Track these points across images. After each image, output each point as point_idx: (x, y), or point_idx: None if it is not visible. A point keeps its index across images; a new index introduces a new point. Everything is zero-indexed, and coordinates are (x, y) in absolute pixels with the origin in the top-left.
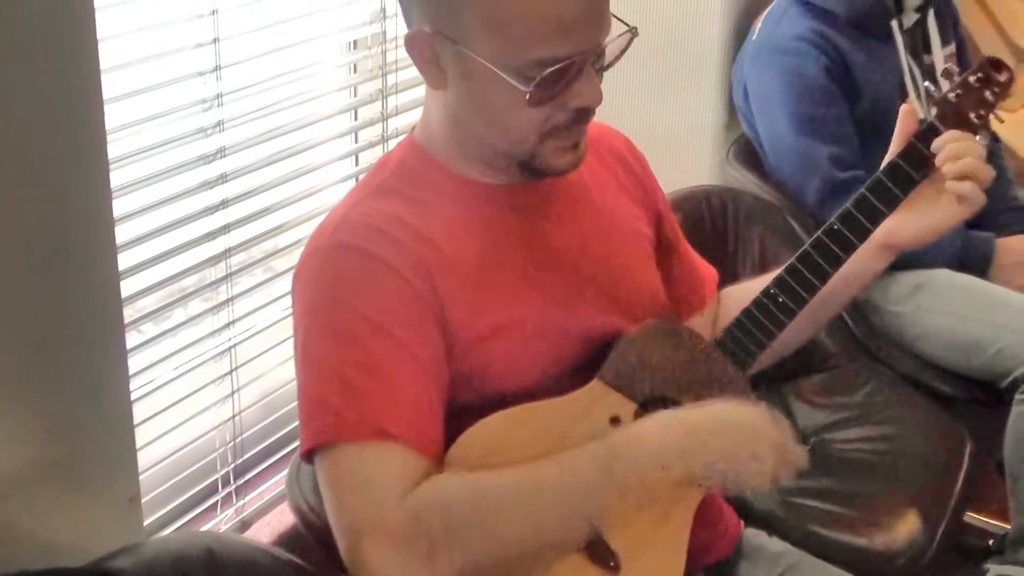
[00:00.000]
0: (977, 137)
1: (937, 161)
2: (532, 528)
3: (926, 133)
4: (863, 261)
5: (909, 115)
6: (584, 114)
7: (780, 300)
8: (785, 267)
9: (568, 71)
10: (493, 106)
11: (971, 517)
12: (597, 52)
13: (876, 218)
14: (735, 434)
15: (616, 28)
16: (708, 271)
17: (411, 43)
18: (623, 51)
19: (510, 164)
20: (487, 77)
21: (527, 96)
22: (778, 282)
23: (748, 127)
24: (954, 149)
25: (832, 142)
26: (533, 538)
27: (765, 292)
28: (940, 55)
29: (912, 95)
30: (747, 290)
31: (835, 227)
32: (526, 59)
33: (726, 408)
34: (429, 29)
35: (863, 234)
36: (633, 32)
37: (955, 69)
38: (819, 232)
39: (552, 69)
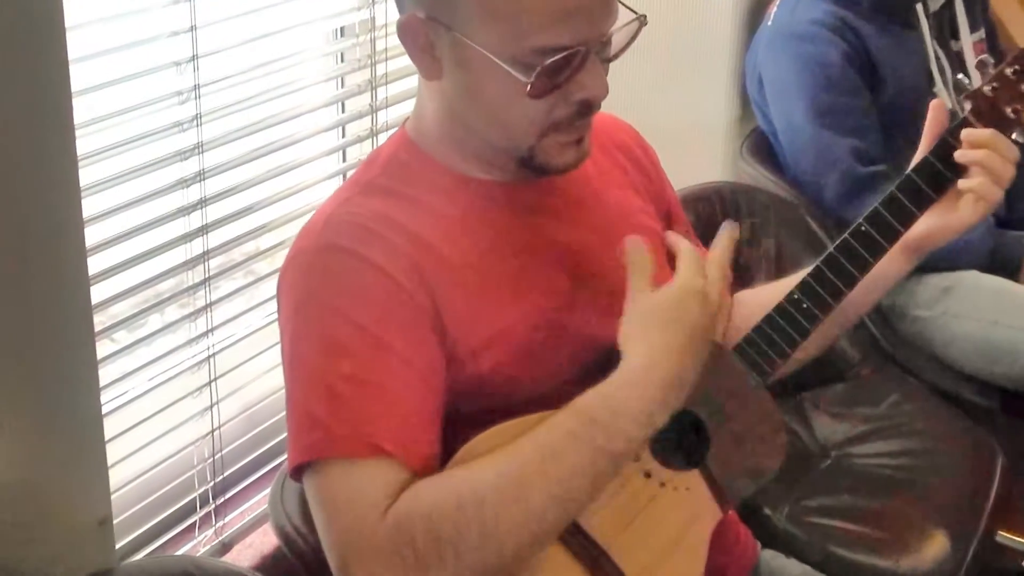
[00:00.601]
0: (1014, 135)
1: (964, 159)
2: (524, 519)
3: (960, 129)
4: (883, 265)
5: (940, 109)
6: (588, 107)
7: (805, 306)
8: (810, 271)
9: (571, 61)
10: (491, 98)
11: (1003, 537)
12: (602, 41)
13: (907, 220)
14: (698, 346)
15: (624, 16)
16: None
17: (404, 30)
18: (631, 40)
19: (509, 161)
20: (485, 67)
21: (527, 87)
22: (802, 287)
23: (763, 119)
24: (979, 145)
25: (853, 134)
26: (529, 528)
27: (788, 298)
28: (969, 41)
29: (939, 84)
30: (758, 296)
31: (863, 228)
32: (526, 47)
33: (677, 319)
34: (423, 15)
35: (893, 236)
36: (642, 20)
37: (990, 60)
38: (846, 234)
39: (554, 59)
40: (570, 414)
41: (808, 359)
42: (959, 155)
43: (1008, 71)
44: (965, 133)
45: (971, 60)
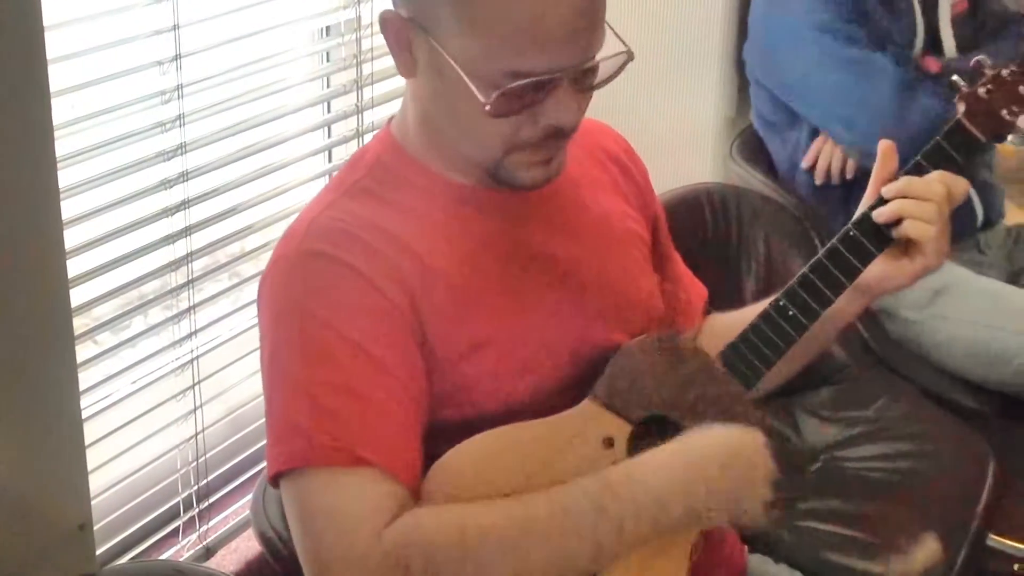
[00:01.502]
0: (1010, 138)
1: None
2: (521, 569)
3: (952, 131)
4: (840, 303)
5: (889, 154)
6: (556, 132)
7: (791, 313)
8: (797, 278)
9: (538, 88)
10: (459, 108)
11: (995, 540)
12: (577, 71)
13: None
14: (738, 467)
15: (613, 46)
16: (697, 289)
17: (385, 24)
18: (616, 73)
19: (478, 169)
20: (455, 78)
21: (486, 107)
22: (789, 294)
23: (763, 104)
24: (897, 192)
25: (880, 51)
26: None
27: (774, 305)
28: (947, 3)
29: (917, 49)
30: (731, 320)
31: (851, 233)
32: (496, 69)
33: (725, 440)
34: (405, 14)
35: (884, 240)
36: (629, 55)
37: (987, 62)
38: (834, 240)
39: (517, 84)
40: (593, 479)
41: (774, 387)
42: (876, 215)
43: (1004, 73)
44: (883, 190)
45: (945, 23)
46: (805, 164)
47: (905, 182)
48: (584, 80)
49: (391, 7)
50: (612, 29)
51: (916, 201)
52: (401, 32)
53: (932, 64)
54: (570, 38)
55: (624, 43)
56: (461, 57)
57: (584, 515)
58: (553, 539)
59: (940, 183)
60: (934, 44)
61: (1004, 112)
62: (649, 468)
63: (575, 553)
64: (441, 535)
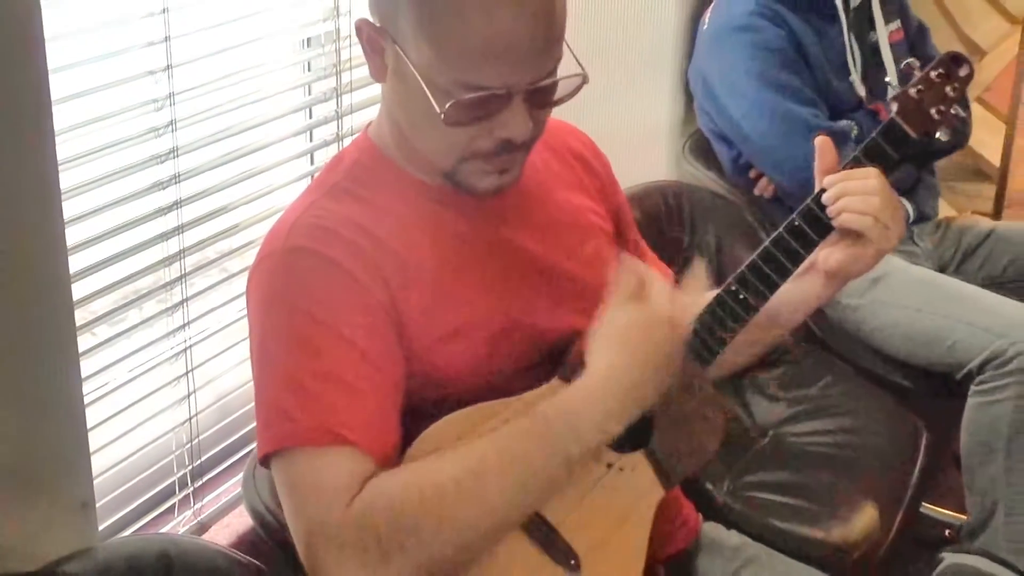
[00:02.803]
0: (938, 134)
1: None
2: (481, 513)
3: (887, 129)
4: (806, 288)
5: (827, 149)
6: (509, 145)
7: (742, 297)
8: (746, 265)
9: (490, 100)
10: (418, 114)
11: (928, 508)
12: (530, 87)
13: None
14: (656, 361)
15: (569, 67)
16: (662, 271)
17: (360, 30)
18: (572, 93)
19: (436, 172)
20: (415, 85)
21: (441, 115)
22: (740, 279)
23: (707, 121)
24: (836, 192)
25: (809, 104)
26: (485, 522)
27: (727, 290)
28: (884, 33)
29: (854, 74)
30: None
31: (796, 223)
32: (450, 79)
33: (640, 338)
34: (377, 22)
35: (826, 229)
36: (584, 78)
37: (916, 64)
38: (781, 229)
39: (470, 96)
40: (530, 417)
41: (740, 368)
42: (826, 200)
43: (933, 74)
44: (826, 179)
45: (886, 48)
46: (753, 174)
47: (843, 176)
48: (539, 96)
49: (367, 15)
50: (571, 51)
51: (854, 195)
52: (373, 38)
53: (882, 110)
54: (523, 57)
55: (581, 66)
56: (420, 65)
57: (533, 454)
58: (508, 480)
59: (876, 177)
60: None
61: (933, 111)
62: (583, 397)
63: (530, 489)
64: (402, 494)
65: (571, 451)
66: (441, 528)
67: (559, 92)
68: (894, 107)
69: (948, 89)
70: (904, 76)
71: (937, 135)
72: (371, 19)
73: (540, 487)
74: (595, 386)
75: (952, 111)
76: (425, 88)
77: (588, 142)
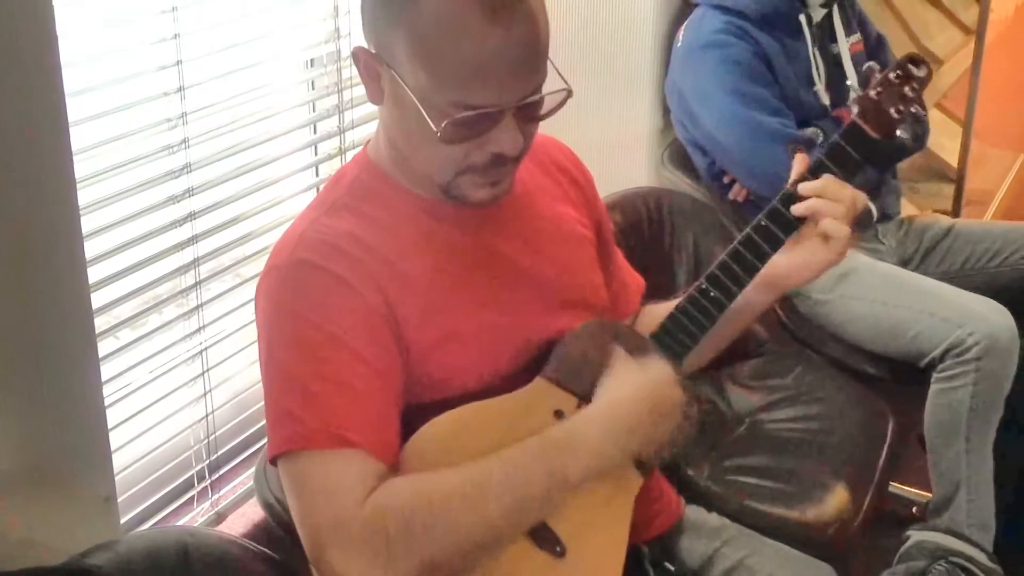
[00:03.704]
0: (899, 132)
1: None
2: (482, 525)
3: (848, 131)
4: (748, 294)
5: (801, 162)
6: (501, 158)
7: (712, 295)
8: (716, 264)
9: (483, 118)
10: (415, 133)
11: (895, 487)
12: (519, 104)
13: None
14: (658, 411)
15: (557, 82)
16: (636, 280)
17: (357, 58)
18: (558, 107)
19: (434, 187)
20: (412, 106)
21: (438, 134)
22: (710, 278)
23: (683, 131)
24: (812, 196)
25: (777, 114)
26: (484, 533)
27: (697, 288)
28: (845, 45)
29: (818, 84)
30: (662, 308)
31: (763, 223)
32: (444, 100)
33: (644, 384)
34: (373, 49)
35: (791, 229)
36: (568, 93)
37: (876, 67)
38: (748, 229)
39: (465, 114)
40: (539, 439)
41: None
42: (795, 209)
43: (892, 76)
44: (801, 186)
45: (847, 59)
46: (727, 179)
47: (823, 183)
48: (527, 112)
49: (363, 43)
50: (555, 67)
51: (830, 201)
52: (370, 65)
53: (846, 115)
54: (512, 77)
55: (565, 81)
56: (416, 88)
57: (531, 470)
58: (507, 493)
59: (850, 188)
60: (841, 78)
61: (892, 111)
62: (585, 424)
63: (527, 503)
64: (411, 501)
65: (569, 473)
66: (445, 536)
67: (546, 107)
68: (855, 109)
69: (907, 89)
70: (865, 80)
71: (898, 134)
72: (367, 47)
73: (538, 507)
74: (598, 414)
75: (912, 110)
76: (421, 109)
77: (572, 156)
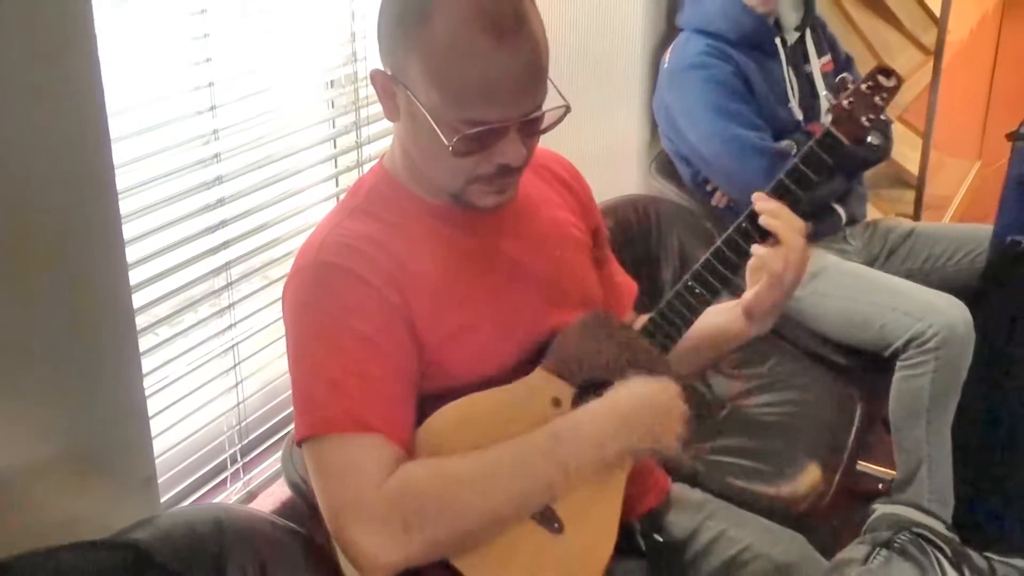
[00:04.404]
0: (869, 138)
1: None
2: (489, 511)
3: (822, 138)
4: (730, 323)
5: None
6: (507, 169)
7: (697, 291)
8: (701, 262)
9: (491, 133)
10: (427, 148)
11: (863, 466)
12: (523, 120)
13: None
14: (656, 413)
15: (554, 100)
16: (629, 285)
17: (374, 79)
18: (557, 122)
19: (445, 194)
20: (425, 123)
21: (449, 147)
22: (695, 275)
23: (669, 144)
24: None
25: (756, 128)
26: (491, 518)
27: (683, 285)
28: (817, 64)
29: (792, 101)
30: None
31: (743, 225)
32: (455, 117)
33: (646, 391)
34: (389, 71)
35: (766, 232)
36: (567, 109)
37: (849, 78)
38: (729, 230)
39: (475, 130)
40: (546, 432)
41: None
42: (762, 220)
43: (863, 87)
44: (760, 204)
45: (819, 77)
46: (710, 187)
47: (777, 206)
48: (530, 127)
49: (379, 66)
50: (555, 86)
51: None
52: (386, 85)
53: (817, 129)
54: (517, 94)
55: (563, 98)
56: (429, 107)
57: (536, 460)
58: (513, 481)
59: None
60: (813, 95)
61: (863, 119)
62: (587, 418)
63: (531, 490)
64: (427, 485)
65: (570, 464)
66: (455, 519)
67: (546, 122)
68: (829, 118)
69: (877, 99)
70: (838, 88)
71: (868, 140)
72: (383, 69)
73: (538, 492)
74: (599, 409)
75: (882, 118)
76: (434, 125)
77: (570, 167)
